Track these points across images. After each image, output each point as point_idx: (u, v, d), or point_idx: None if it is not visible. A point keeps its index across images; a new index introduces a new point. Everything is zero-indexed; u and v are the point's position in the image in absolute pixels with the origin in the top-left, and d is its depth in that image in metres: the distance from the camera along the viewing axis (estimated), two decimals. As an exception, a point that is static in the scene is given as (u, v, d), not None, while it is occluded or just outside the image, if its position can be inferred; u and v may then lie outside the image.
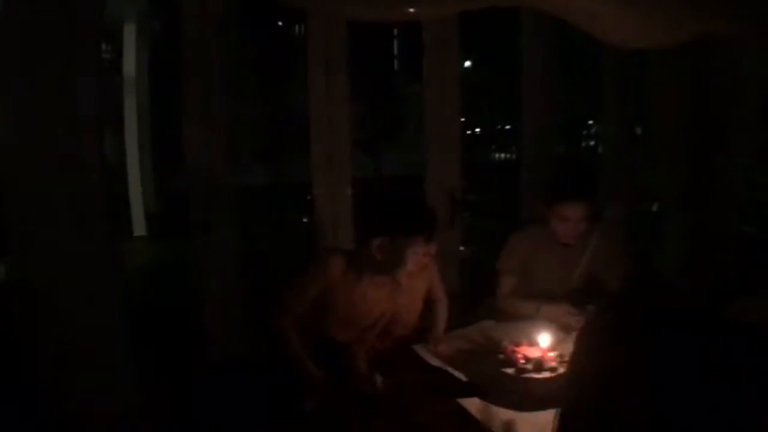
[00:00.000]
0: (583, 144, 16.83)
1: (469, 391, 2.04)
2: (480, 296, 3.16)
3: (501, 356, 2.12)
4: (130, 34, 8.15)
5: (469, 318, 2.92)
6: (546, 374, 2.01)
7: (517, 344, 2.16)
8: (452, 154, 3.95)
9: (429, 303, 2.75)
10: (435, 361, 2.36)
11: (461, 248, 6.75)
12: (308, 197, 3.84)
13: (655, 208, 5.27)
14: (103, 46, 8.12)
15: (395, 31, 16.44)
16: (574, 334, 2.49)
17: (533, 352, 2.09)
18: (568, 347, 2.25)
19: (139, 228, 8.26)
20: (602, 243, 2.99)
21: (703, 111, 3.88)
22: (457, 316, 3.28)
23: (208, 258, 3.34)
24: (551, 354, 2.08)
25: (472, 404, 1.96)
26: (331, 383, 2.10)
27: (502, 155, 19.46)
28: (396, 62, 17.78)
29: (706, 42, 3.39)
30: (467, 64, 16.02)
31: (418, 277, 2.60)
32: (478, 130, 18.41)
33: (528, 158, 4.32)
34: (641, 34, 3.12)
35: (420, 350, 2.47)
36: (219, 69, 3.30)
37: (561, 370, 2.01)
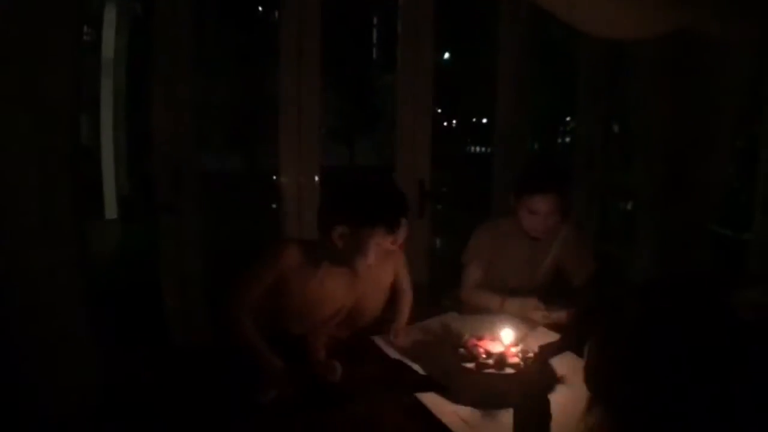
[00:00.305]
0: (560, 140, 16.84)
1: (427, 385, 2.00)
2: (448, 287, 3.14)
3: (462, 350, 2.07)
4: (110, 16, 8.02)
5: (435, 309, 2.89)
6: (508, 370, 1.96)
7: (480, 338, 2.11)
8: (423, 144, 3.90)
9: (393, 293, 2.69)
10: (393, 353, 2.31)
11: (437, 240, 6.77)
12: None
13: (629, 206, 5.28)
14: (85, 28, 8.03)
15: (374, 20, 16.33)
16: (539, 330, 2.51)
17: (495, 347, 2.05)
18: (533, 343, 2.25)
19: (111, 211, 8.12)
20: (571, 238, 2.98)
21: (681, 110, 3.87)
22: (424, 307, 3.27)
23: (171, 242, 3.29)
24: (514, 350, 2.04)
25: (429, 399, 1.91)
26: (291, 372, 2.05)
27: (479, 148, 19.41)
28: (374, 51, 17.66)
29: (686, 39, 3.39)
30: (446, 56, 15.97)
31: (383, 268, 2.55)
32: (455, 122, 18.36)
33: (501, 152, 4.29)
34: (619, 24, 3.10)
35: (379, 341, 2.43)
36: (188, 51, 3.25)
37: (523, 366, 1.98)
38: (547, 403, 1.62)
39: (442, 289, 3.26)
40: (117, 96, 8.10)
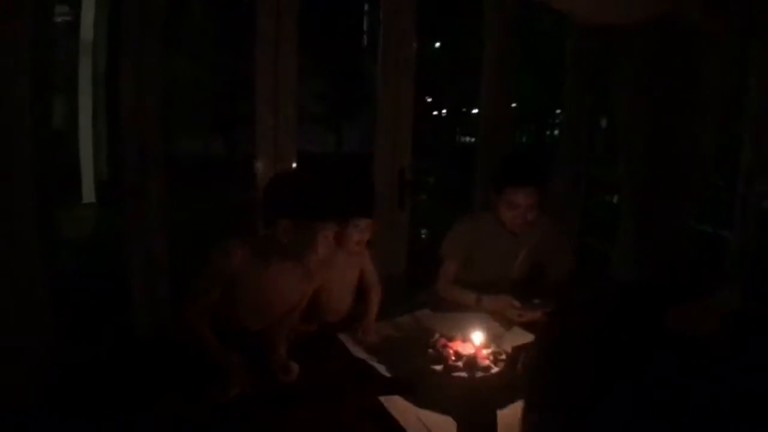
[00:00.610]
0: (549, 133, 16.78)
1: (392, 387, 1.89)
2: (429, 281, 3.02)
3: (431, 351, 1.96)
4: (89, -3, 7.85)
5: (411, 304, 2.80)
6: (478, 374, 1.84)
7: (450, 339, 2.00)
8: (404, 132, 3.78)
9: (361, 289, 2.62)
10: (358, 352, 2.21)
11: (423, 231, 6.69)
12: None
13: (615, 200, 5.21)
14: (65, 8, 7.88)
15: (365, 7, 16.21)
16: (514, 330, 2.41)
17: (466, 349, 1.94)
18: (507, 343, 2.14)
19: (89, 195, 7.99)
20: (550, 233, 2.89)
21: (665, 105, 3.81)
22: (402, 300, 3.17)
23: (136, 227, 3.16)
24: (485, 352, 1.93)
25: (392, 403, 1.80)
26: (251, 370, 1.94)
27: (467, 138, 19.27)
28: (365, 39, 17.51)
29: (670, 33, 3.32)
30: (437, 45, 15.87)
31: (348, 263, 2.48)
32: (444, 111, 18.23)
33: (485, 143, 4.18)
34: (602, 9, 3.04)
35: (345, 339, 2.32)
36: (158, 30, 3.10)
37: (495, 369, 1.86)
38: (493, 416, 1.55)
39: (421, 282, 3.15)
40: (96, 79, 7.96)
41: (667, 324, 2.41)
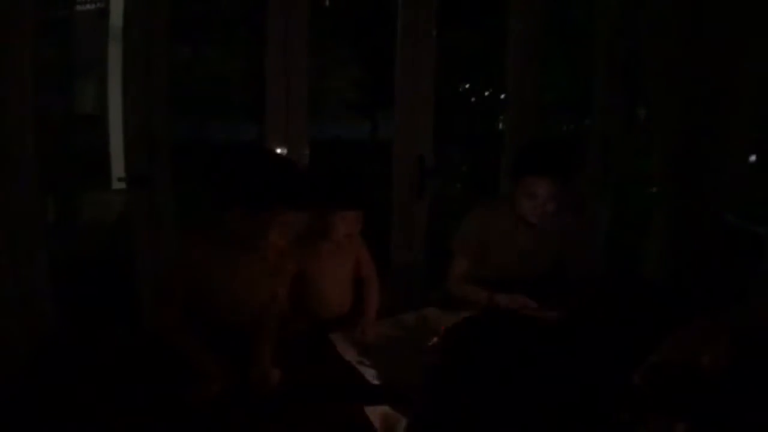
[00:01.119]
0: (587, 123, 16.42)
1: (381, 396, 1.73)
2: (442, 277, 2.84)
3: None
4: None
5: (423, 301, 2.65)
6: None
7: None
8: (424, 119, 3.63)
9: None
10: (349, 355, 2.06)
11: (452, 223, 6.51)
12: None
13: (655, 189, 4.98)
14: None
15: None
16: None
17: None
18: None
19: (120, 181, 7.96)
20: (572, 226, 2.68)
21: (699, 96, 3.60)
22: (417, 295, 3.01)
23: (141, 215, 3.10)
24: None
25: (378, 414, 1.62)
26: (229, 373, 1.81)
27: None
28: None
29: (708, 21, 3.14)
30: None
31: (339, 256, 2.37)
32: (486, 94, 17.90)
33: (513, 131, 3.98)
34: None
35: (336, 339, 2.18)
36: (164, 14, 3.07)
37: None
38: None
39: (437, 277, 2.98)
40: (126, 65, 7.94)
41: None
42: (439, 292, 2.76)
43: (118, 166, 7.92)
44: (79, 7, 6.72)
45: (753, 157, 4.01)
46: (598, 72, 4.01)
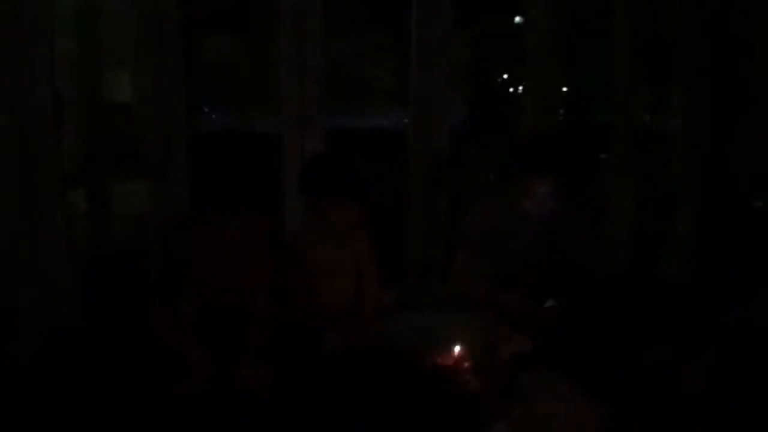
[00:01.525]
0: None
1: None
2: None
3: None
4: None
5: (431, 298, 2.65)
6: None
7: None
8: (440, 111, 3.58)
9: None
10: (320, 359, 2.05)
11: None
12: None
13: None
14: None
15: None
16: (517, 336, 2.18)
17: (445, 359, 1.77)
18: (505, 350, 1.95)
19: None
20: (575, 223, 2.63)
21: (730, 78, 3.54)
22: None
23: (158, 209, 3.12)
24: (466, 365, 1.76)
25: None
26: (218, 372, 1.84)
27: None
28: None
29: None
30: (517, 19, 15.37)
31: (336, 249, 2.33)
32: (521, 88, 17.74)
33: (530, 124, 3.93)
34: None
35: (332, 338, 2.15)
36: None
37: (475, 384, 1.69)
38: None
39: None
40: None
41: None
42: (443, 288, 2.75)
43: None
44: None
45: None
46: (620, 62, 3.94)
